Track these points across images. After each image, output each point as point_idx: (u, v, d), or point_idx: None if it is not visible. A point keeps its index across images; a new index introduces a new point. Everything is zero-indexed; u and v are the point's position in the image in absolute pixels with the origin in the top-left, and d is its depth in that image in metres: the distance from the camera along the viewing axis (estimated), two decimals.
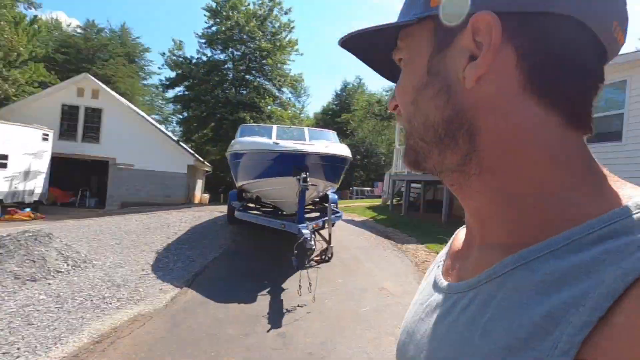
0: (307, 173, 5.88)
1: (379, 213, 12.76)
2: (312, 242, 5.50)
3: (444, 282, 0.43)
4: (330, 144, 7.41)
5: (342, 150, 7.27)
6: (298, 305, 4.57)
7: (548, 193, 0.34)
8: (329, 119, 36.70)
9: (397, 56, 0.42)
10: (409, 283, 5.32)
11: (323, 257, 6.45)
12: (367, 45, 0.44)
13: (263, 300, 4.78)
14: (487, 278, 0.34)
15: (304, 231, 5.60)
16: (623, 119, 7.59)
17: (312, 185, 6.20)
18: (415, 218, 11.28)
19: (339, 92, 40.83)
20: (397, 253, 7.10)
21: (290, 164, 6.02)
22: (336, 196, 8.61)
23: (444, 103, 0.37)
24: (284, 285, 5.27)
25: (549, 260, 0.29)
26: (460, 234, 0.49)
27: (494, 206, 0.37)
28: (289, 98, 24.12)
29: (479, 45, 0.34)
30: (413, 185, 13.64)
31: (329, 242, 6.47)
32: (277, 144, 6.53)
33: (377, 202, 17.15)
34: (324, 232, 7.11)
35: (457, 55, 0.36)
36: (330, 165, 6.75)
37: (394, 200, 14.08)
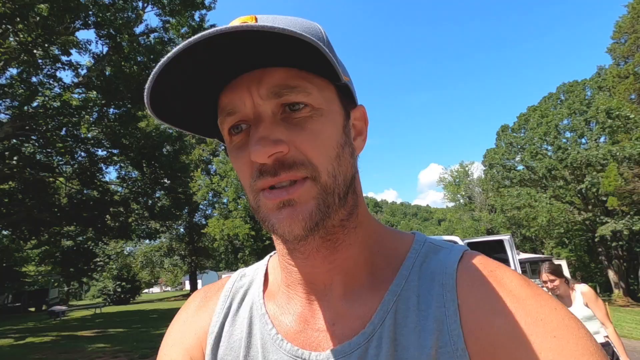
0: None
1: None
2: None
3: (323, 352, 0.45)
4: None
5: None
6: None
7: (381, 239, 0.49)
8: None
9: (297, 98, 0.39)
10: None
11: None
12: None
13: None
14: (380, 320, 0.44)
15: None
16: None
17: None
18: None
19: None
20: None
21: None
22: None
23: (353, 163, 0.45)
24: None
25: (408, 290, 0.44)
26: (274, 313, 0.50)
27: (361, 255, 0.47)
28: None
29: (360, 125, 0.48)
30: None
31: None
32: None
33: None
34: None
35: (351, 127, 0.47)
36: None
37: None
